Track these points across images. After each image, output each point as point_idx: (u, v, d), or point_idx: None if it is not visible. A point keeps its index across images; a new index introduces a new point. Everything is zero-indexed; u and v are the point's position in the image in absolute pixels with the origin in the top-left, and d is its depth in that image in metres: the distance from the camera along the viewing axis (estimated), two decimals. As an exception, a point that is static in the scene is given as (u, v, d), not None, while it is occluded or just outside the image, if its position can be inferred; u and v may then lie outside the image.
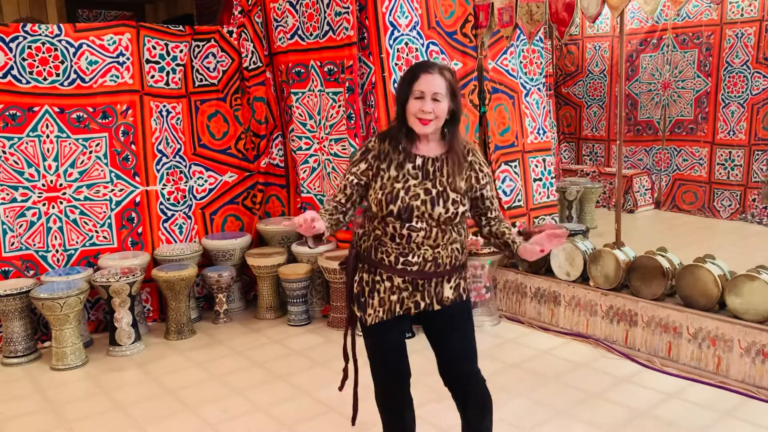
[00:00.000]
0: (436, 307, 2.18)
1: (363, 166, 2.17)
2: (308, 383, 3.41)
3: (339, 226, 2.22)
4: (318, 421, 3.00)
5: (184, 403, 3.25)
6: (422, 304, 2.17)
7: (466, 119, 4.36)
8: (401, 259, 2.13)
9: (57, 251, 4.18)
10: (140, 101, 4.33)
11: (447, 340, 2.25)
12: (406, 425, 2.40)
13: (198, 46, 4.54)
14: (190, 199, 4.61)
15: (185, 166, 4.58)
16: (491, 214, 2.24)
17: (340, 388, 2.58)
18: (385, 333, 2.22)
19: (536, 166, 4.87)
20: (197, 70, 4.57)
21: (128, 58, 4.25)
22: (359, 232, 2.25)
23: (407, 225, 2.09)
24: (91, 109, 4.19)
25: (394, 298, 2.16)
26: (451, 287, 2.19)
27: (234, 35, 4.63)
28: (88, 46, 4.13)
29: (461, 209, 2.13)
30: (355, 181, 2.18)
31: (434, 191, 2.10)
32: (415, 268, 2.12)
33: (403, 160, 2.13)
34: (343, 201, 2.20)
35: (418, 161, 2.13)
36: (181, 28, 4.48)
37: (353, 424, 2.59)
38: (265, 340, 4.11)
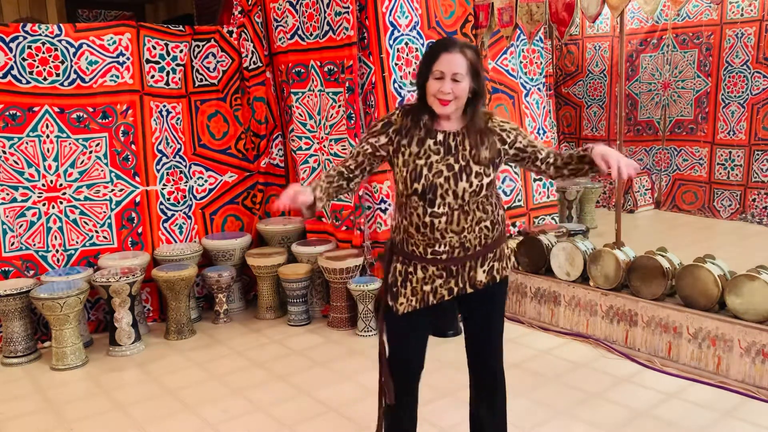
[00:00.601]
0: (469, 290, 2.18)
1: (383, 139, 2.14)
2: (308, 383, 3.41)
3: (340, 192, 2.20)
4: (318, 421, 3.00)
5: (184, 403, 3.25)
6: (455, 290, 2.17)
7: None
8: (429, 250, 2.12)
9: (57, 251, 4.18)
10: (140, 101, 4.33)
11: (478, 329, 2.27)
12: (405, 420, 2.35)
13: (198, 46, 4.54)
14: (190, 199, 4.61)
15: (185, 166, 4.58)
16: (541, 154, 2.17)
17: (388, 399, 2.30)
18: (414, 323, 2.21)
19: (536, 166, 4.87)
20: (197, 70, 4.57)
21: (128, 58, 4.25)
22: (392, 225, 2.26)
23: (429, 212, 2.07)
24: (91, 109, 4.19)
25: (427, 288, 2.16)
26: (484, 270, 2.17)
27: (234, 35, 4.63)
28: (88, 46, 4.13)
29: (485, 181, 2.08)
30: (370, 150, 2.15)
31: (457, 166, 2.07)
32: (444, 256, 2.11)
33: (424, 136, 2.10)
34: (352, 167, 2.18)
35: (440, 137, 2.10)
36: (181, 28, 4.48)
37: None
38: (265, 340, 4.11)
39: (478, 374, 2.33)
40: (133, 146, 4.33)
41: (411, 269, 2.17)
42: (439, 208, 2.07)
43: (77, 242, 4.23)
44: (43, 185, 4.12)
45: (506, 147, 2.14)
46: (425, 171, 2.07)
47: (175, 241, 4.53)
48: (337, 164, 2.24)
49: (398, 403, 2.29)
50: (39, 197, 4.11)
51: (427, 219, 2.08)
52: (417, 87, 2.13)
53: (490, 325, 2.28)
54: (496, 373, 2.32)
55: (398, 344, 2.25)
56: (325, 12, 4.14)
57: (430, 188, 2.06)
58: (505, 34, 4.35)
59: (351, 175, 2.18)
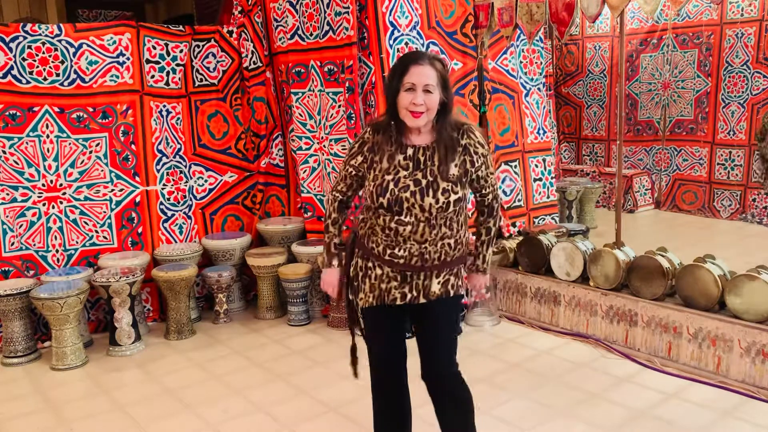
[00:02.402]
0: (422, 300, 2.19)
1: (359, 159, 2.20)
2: (308, 383, 3.41)
3: (345, 218, 2.35)
4: (318, 421, 3.00)
5: (184, 403, 3.25)
6: (408, 296, 2.19)
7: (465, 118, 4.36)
8: (388, 251, 2.15)
9: (57, 251, 4.18)
10: (140, 101, 4.33)
11: (427, 336, 2.27)
12: (397, 414, 2.36)
13: (198, 46, 4.54)
14: (190, 199, 4.61)
15: (185, 166, 4.58)
16: (485, 191, 2.26)
17: (355, 374, 2.52)
18: (379, 317, 2.25)
19: (536, 166, 4.87)
20: (197, 70, 4.57)
21: (128, 58, 4.25)
22: (359, 218, 2.30)
23: (396, 218, 2.11)
24: (91, 109, 4.19)
25: (383, 286, 2.19)
26: (438, 282, 2.19)
27: (234, 35, 4.63)
28: (88, 46, 4.13)
29: (453, 197, 2.10)
30: (354, 172, 2.23)
31: (424, 182, 2.09)
32: (401, 261, 2.15)
33: (394, 152, 2.13)
34: (344, 190, 2.29)
35: (409, 151, 2.13)
36: (181, 28, 4.48)
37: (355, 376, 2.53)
38: (265, 340, 4.11)
39: (431, 384, 2.28)
40: (133, 146, 4.33)
41: (370, 265, 2.22)
42: (406, 218, 2.10)
43: (77, 242, 4.23)
44: (43, 185, 4.12)
45: (472, 170, 2.17)
46: (391, 186, 2.10)
47: (175, 241, 4.53)
48: (330, 194, 2.33)
49: (387, 400, 2.34)
50: (39, 197, 4.11)
51: (393, 225, 2.13)
52: (387, 101, 2.15)
53: (439, 334, 2.25)
54: (447, 382, 2.26)
55: (369, 337, 2.31)
56: (325, 12, 4.14)
57: (396, 202, 2.09)
58: (505, 34, 4.35)
59: (346, 197, 2.31)
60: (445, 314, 2.25)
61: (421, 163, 2.11)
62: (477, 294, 2.44)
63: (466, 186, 2.17)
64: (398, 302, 2.20)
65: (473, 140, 2.16)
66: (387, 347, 2.30)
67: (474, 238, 2.36)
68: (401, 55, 2.39)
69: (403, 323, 2.32)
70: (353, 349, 2.48)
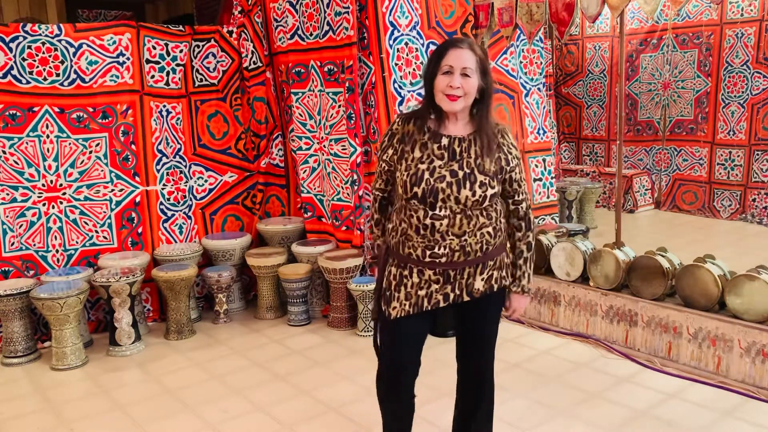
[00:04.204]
0: (466, 298, 2.12)
1: (390, 152, 2.14)
2: (308, 383, 3.41)
3: (387, 216, 2.29)
4: (318, 421, 3.00)
5: (184, 403, 3.25)
6: (451, 296, 2.11)
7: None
8: (428, 252, 2.05)
9: (57, 251, 4.18)
10: (140, 101, 4.33)
11: (470, 336, 2.24)
12: (405, 417, 2.35)
13: (198, 46, 4.54)
14: (190, 199, 4.61)
15: (185, 166, 4.58)
16: (518, 197, 2.16)
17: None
18: (407, 326, 2.16)
19: (536, 166, 4.87)
20: (197, 70, 4.57)
21: (128, 58, 4.25)
22: (389, 227, 2.21)
23: (431, 214, 2.02)
24: (91, 109, 4.19)
25: (422, 293, 2.10)
26: (482, 278, 2.11)
27: (234, 35, 4.63)
28: (88, 46, 4.13)
29: (489, 192, 2.03)
30: (387, 168, 2.18)
31: (461, 173, 2.01)
32: (443, 259, 2.05)
33: (428, 140, 2.06)
34: (382, 187, 2.25)
35: (444, 141, 2.05)
36: (181, 28, 4.48)
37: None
38: (265, 340, 4.11)
39: (467, 381, 2.31)
40: (133, 146, 4.33)
41: (406, 272, 2.11)
42: (440, 211, 2.02)
43: (77, 242, 4.23)
44: (43, 185, 4.12)
45: (507, 168, 2.09)
46: (426, 175, 2.02)
47: (175, 241, 4.53)
48: (372, 194, 2.29)
49: (395, 404, 2.29)
50: (39, 197, 4.11)
51: (428, 221, 2.03)
52: (425, 85, 2.08)
53: (484, 333, 2.23)
54: (486, 381, 2.29)
55: (392, 348, 2.21)
56: (325, 12, 4.14)
57: (431, 192, 2.01)
58: (505, 34, 4.35)
59: (387, 193, 2.26)
60: (490, 312, 2.21)
61: (456, 154, 2.03)
62: (516, 315, 2.34)
63: (500, 183, 2.09)
64: (441, 304, 2.11)
65: (507, 141, 2.11)
66: (406, 359, 2.22)
67: (512, 256, 2.23)
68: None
69: (428, 330, 2.25)
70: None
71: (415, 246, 2.07)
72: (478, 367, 2.28)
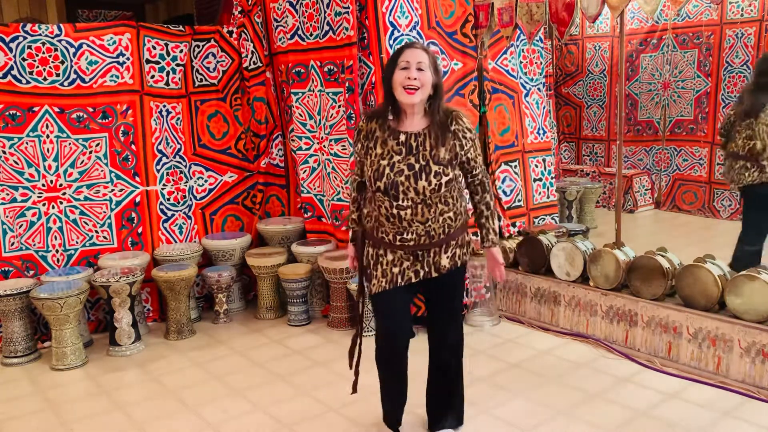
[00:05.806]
0: (434, 274, 2.43)
1: (359, 146, 2.43)
2: (308, 383, 3.41)
3: (364, 197, 2.53)
4: (318, 421, 3.00)
5: (184, 403, 3.25)
6: (421, 273, 2.42)
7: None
8: (398, 237, 2.37)
9: (57, 251, 4.18)
10: (140, 101, 4.33)
11: (440, 305, 2.55)
12: (401, 384, 2.63)
13: (198, 46, 4.54)
14: (190, 199, 4.61)
15: (185, 166, 4.58)
16: (475, 171, 2.44)
17: (354, 386, 2.78)
18: (390, 298, 2.45)
19: (536, 166, 4.87)
20: (197, 70, 4.57)
21: (128, 58, 4.25)
22: (364, 213, 2.52)
23: (395, 204, 2.30)
24: (91, 109, 4.19)
25: (395, 270, 2.41)
26: (447, 256, 2.42)
27: (234, 35, 4.63)
28: (88, 46, 4.13)
29: (444, 179, 2.30)
30: (359, 159, 2.46)
31: (417, 166, 2.28)
32: (411, 243, 2.36)
33: (387, 138, 2.32)
34: (359, 173, 2.51)
35: (402, 137, 2.31)
36: (181, 28, 4.48)
37: (354, 391, 2.78)
38: (265, 340, 4.11)
39: (438, 352, 2.59)
40: (133, 146, 4.33)
41: (381, 252, 2.43)
42: (403, 202, 2.30)
43: (77, 242, 4.23)
44: (43, 185, 4.12)
45: (462, 153, 2.36)
46: (387, 170, 2.29)
47: (175, 241, 4.53)
48: (350, 177, 2.56)
49: (394, 369, 2.57)
50: (39, 197, 4.11)
51: (394, 211, 2.32)
52: (383, 84, 2.34)
53: (453, 305, 2.55)
54: (457, 349, 2.61)
55: (380, 318, 2.51)
56: (325, 12, 4.14)
57: (392, 185, 2.28)
58: (505, 34, 4.35)
59: (363, 179, 2.48)
60: (455, 286, 2.53)
61: (413, 149, 2.30)
62: (499, 274, 2.59)
63: (456, 167, 2.36)
64: (413, 280, 2.41)
65: (461, 125, 2.36)
66: (396, 322, 2.48)
67: (474, 217, 2.54)
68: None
69: (410, 304, 2.59)
70: (355, 338, 2.70)
71: (387, 231, 2.38)
72: (451, 331, 2.57)
